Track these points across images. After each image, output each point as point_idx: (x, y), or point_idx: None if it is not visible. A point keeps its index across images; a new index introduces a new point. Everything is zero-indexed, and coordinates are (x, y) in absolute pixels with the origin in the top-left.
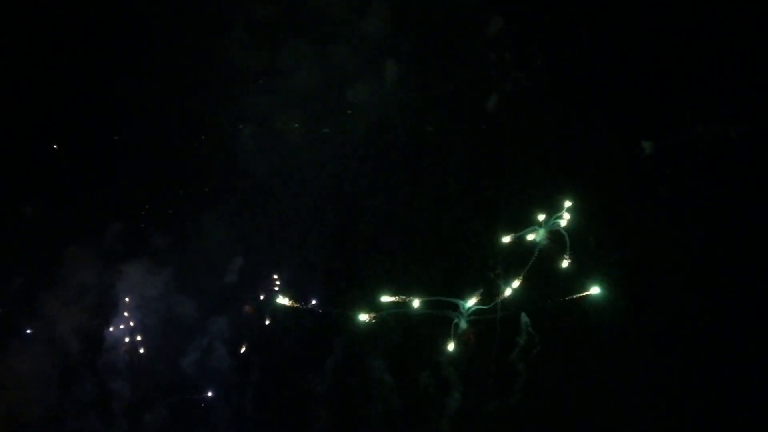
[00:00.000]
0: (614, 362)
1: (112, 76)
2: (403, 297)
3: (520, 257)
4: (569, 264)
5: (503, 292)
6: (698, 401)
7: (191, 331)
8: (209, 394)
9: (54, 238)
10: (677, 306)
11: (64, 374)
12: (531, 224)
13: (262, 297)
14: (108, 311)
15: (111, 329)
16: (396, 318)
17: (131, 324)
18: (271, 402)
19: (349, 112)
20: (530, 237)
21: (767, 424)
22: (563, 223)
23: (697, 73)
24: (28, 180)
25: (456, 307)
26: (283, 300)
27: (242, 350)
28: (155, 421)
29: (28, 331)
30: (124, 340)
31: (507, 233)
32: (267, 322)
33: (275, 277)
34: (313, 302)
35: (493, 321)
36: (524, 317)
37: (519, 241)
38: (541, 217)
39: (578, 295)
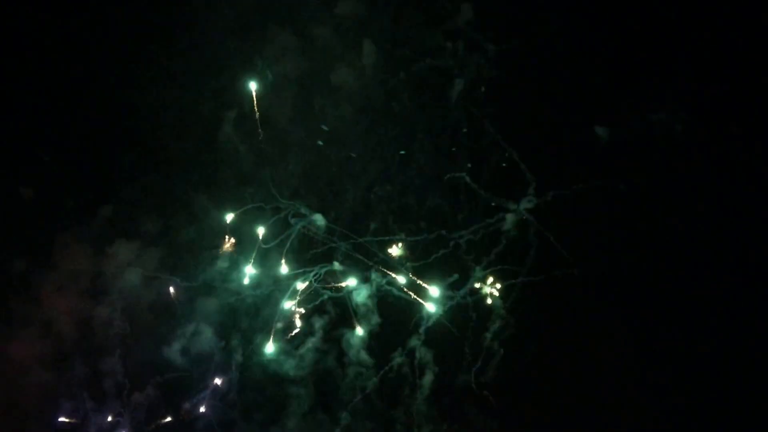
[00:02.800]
0: (587, 344)
1: (100, 64)
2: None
3: (489, 243)
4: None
5: (474, 278)
6: (669, 381)
7: (180, 313)
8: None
9: (46, 222)
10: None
11: (57, 356)
12: (499, 210)
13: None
14: (99, 294)
15: (101, 311)
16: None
17: (121, 306)
18: (254, 383)
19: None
20: (499, 223)
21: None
22: (529, 205)
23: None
24: (19, 164)
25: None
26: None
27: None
28: (145, 401)
29: (22, 315)
30: (113, 322)
31: (474, 219)
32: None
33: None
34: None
35: (465, 305)
36: (496, 300)
37: (488, 227)
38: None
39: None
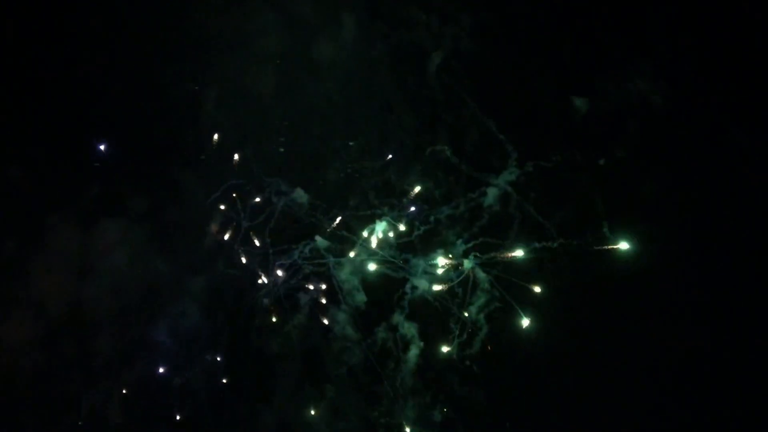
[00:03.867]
0: (570, 315)
1: (82, 47)
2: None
3: (471, 217)
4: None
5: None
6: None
7: (168, 291)
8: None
9: (34, 202)
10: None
11: (48, 336)
12: (480, 184)
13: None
14: (87, 273)
15: (90, 291)
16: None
17: (110, 284)
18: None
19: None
20: (480, 197)
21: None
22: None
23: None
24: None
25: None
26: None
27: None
28: (134, 378)
29: (13, 296)
30: (102, 301)
31: (456, 193)
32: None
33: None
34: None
35: (452, 280)
36: (481, 274)
37: (470, 201)
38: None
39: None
